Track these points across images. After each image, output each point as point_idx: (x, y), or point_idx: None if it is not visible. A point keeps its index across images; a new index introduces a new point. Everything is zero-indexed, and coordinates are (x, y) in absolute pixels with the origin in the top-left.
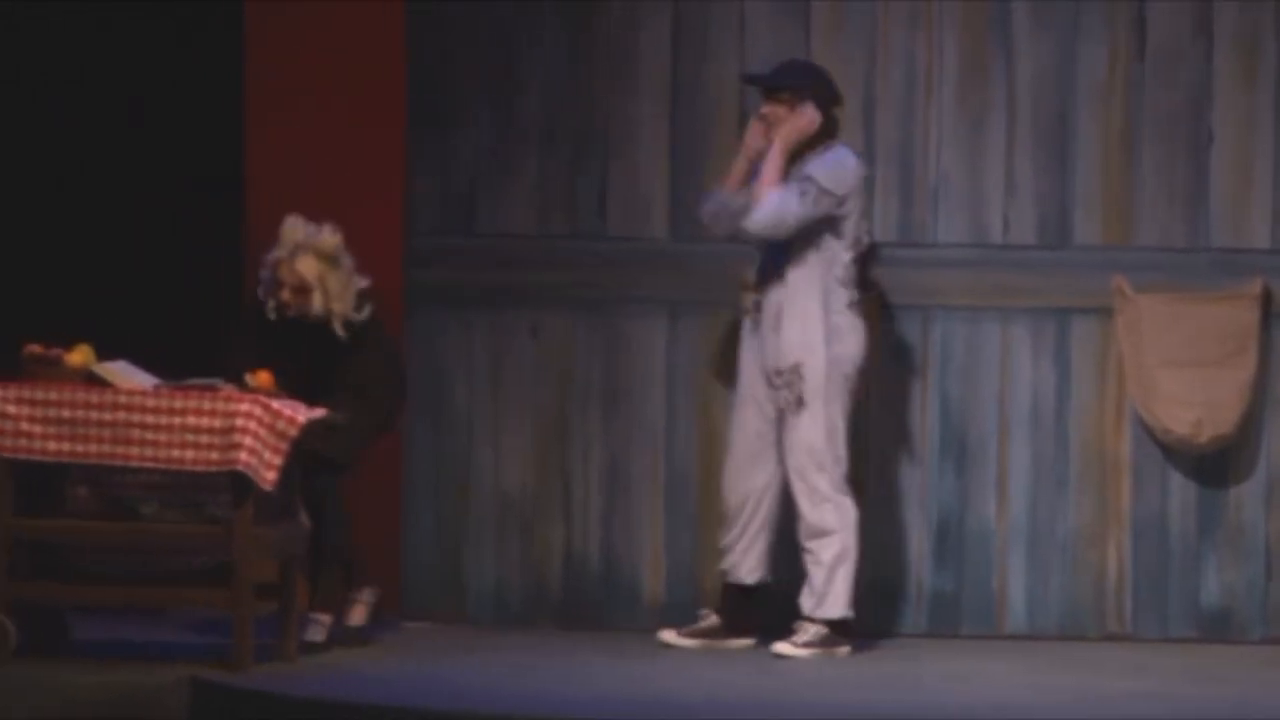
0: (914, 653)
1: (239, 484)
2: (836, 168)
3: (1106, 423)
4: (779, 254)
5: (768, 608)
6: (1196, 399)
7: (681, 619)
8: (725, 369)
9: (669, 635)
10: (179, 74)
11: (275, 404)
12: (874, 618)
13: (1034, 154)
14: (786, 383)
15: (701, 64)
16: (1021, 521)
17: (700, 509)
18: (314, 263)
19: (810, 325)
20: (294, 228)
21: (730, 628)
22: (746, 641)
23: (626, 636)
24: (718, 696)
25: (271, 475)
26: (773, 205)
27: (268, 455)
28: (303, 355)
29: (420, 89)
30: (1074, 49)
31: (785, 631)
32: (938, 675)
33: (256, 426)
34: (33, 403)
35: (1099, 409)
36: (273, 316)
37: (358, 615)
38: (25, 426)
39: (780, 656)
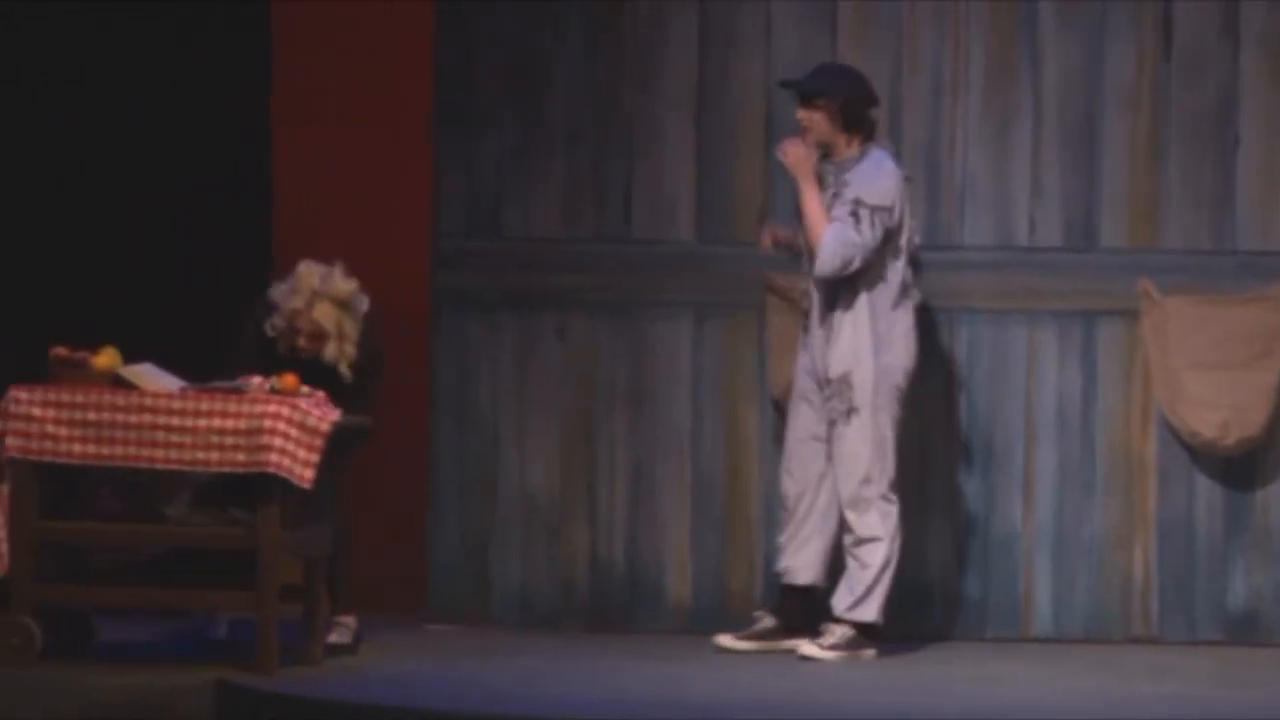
0: (940, 656)
1: (264, 486)
2: (878, 178)
3: (1133, 425)
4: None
5: (823, 609)
6: (1223, 401)
7: (707, 622)
8: (751, 371)
9: (726, 639)
10: (206, 77)
11: (302, 403)
12: (900, 620)
13: (1060, 156)
14: (836, 392)
15: (727, 66)
16: (1048, 524)
17: (726, 511)
18: (331, 310)
19: (859, 335)
20: (309, 273)
21: (787, 629)
22: (800, 642)
23: (652, 639)
24: (744, 699)
25: (309, 474)
26: (833, 247)
27: (302, 454)
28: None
29: (446, 91)
30: (1101, 50)
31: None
32: (964, 678)
33: (286, 427)
34: (59, 405)
35: (1125, 411)
36: (284, 355)
37: (336, 636)
38: (51, 429)
39: (806, 658)
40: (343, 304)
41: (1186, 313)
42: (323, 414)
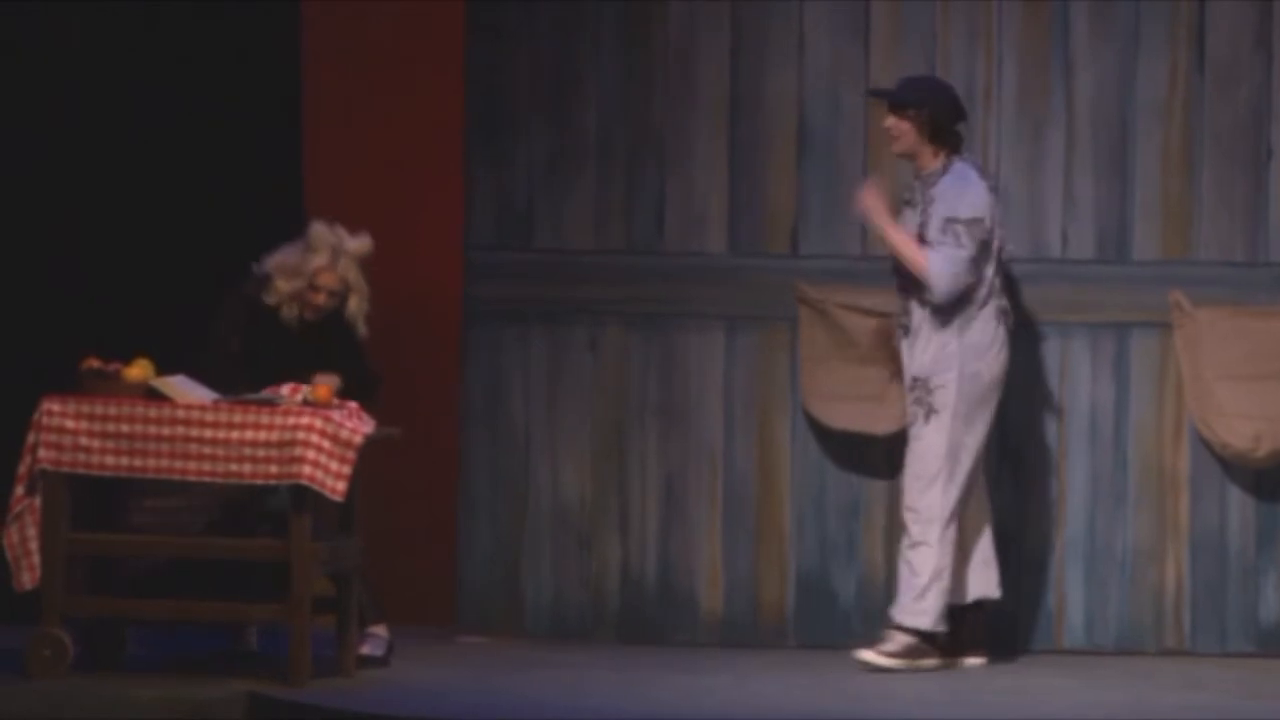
0: (973, 667)
1: (296, 498)
2: (965, 192)
3: (1165, 437)
4: (906, 275)
5: (982, 625)
6: (1255, 413)
7: (739, 634)
8: (783, 383)
9: (868, 654)
10: (238, 89)
11: (335, 416)
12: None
13: (1093, 168)
14: (917, 394)
15: (760, 77)
16: (1080, 536)
17: (758, 524)
18: (353, 265)
19: (947, 339)
20: (324, 233)
21: (953, 646)
22: (978, 660)
23: (684, 651)
24: (776, 711)
25: (341, 486)
26: (942, 272)
27: (335, 466)
28: (289, 345)
29: (478, 103)
30: (1133, 62)
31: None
32: (996, 690)
33: (319, 439)
34: (91, 417)
35: (1157, 423)
36: (293, 324)
37: (368, 647)
38: (84, 441)
39: (865, 664)
40: (362, 259)
41: (1219, 325)
42: (355, 427)
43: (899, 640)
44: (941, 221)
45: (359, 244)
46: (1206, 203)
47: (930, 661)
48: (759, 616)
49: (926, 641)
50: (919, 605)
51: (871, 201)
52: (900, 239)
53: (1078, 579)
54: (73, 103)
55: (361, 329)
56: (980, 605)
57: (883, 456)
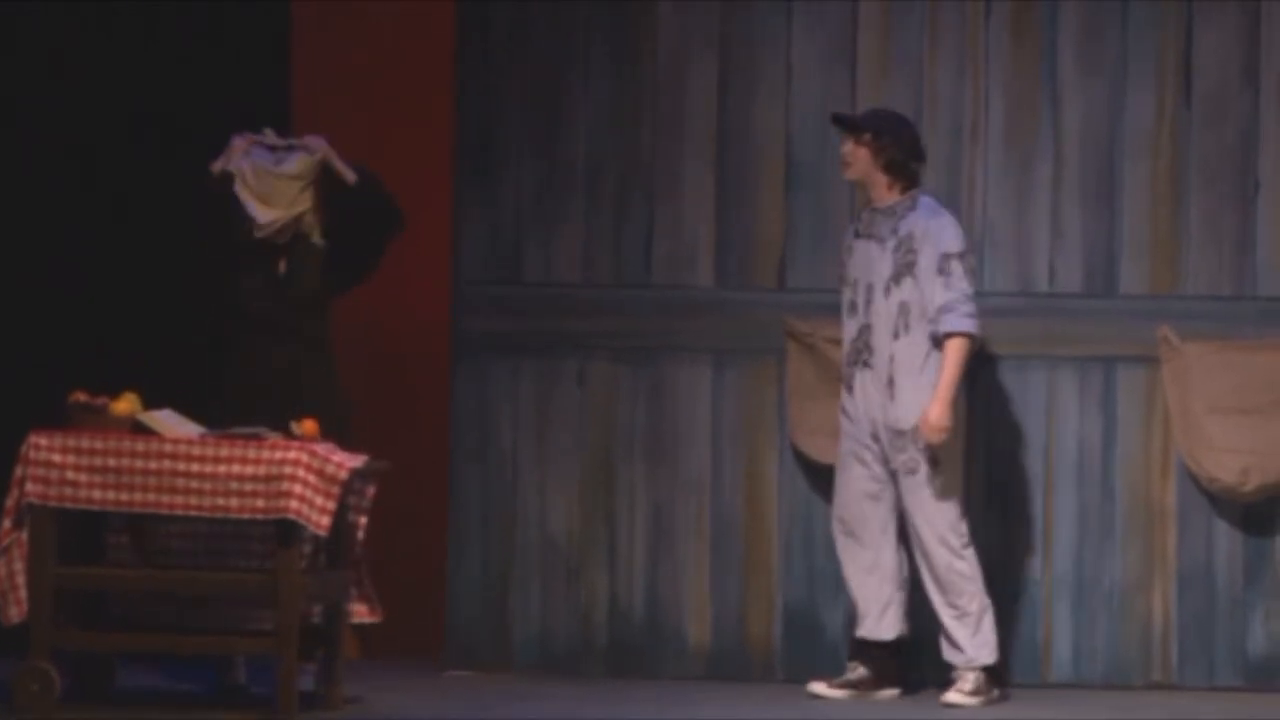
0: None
1: (284, 532)
2: (948, 226)
3: (1153, 471)
4: (884, 313)
5: (912, 658)
6: (1243, 447)
7: (726, 667)
8: (771, 416)
9: (819, 687)
10: (228, 117)
11: (321, 450)
12: (919, 667)
13: (1081, 202)
14: (911, 441)
15: (748, 111)
16: (1067, 570)
17: (745, 556)
18: (303, 164)
19: (932, 383)
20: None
21: (878, 680)
22: (893, 692)
23: (671, 684)
24: None
25: (326, 521)
26: (963, 314)
27: (320, 501)
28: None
29: (468, 136)
30: (1121, 95)
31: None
32: None
33: (305, 474)
34: (78, 451)
35: (1145, 458)
36: (256, 233)
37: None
38: (71, 475)
39: (949, 705)
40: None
41: (1207, 359)
42: (341, 461)
43: (973, 679)
44: (939, 258)
45: (310, 152)
46: (1194, 236)
47: (997, 693)
48: (747, 649)
49: (992, 674)
50: (978, 642)
51: (931, 430)
52: (953, 380)
53: (1065, 612)
54: (68, 125)
55: (317, 239)
56: (901, 641)
57: None
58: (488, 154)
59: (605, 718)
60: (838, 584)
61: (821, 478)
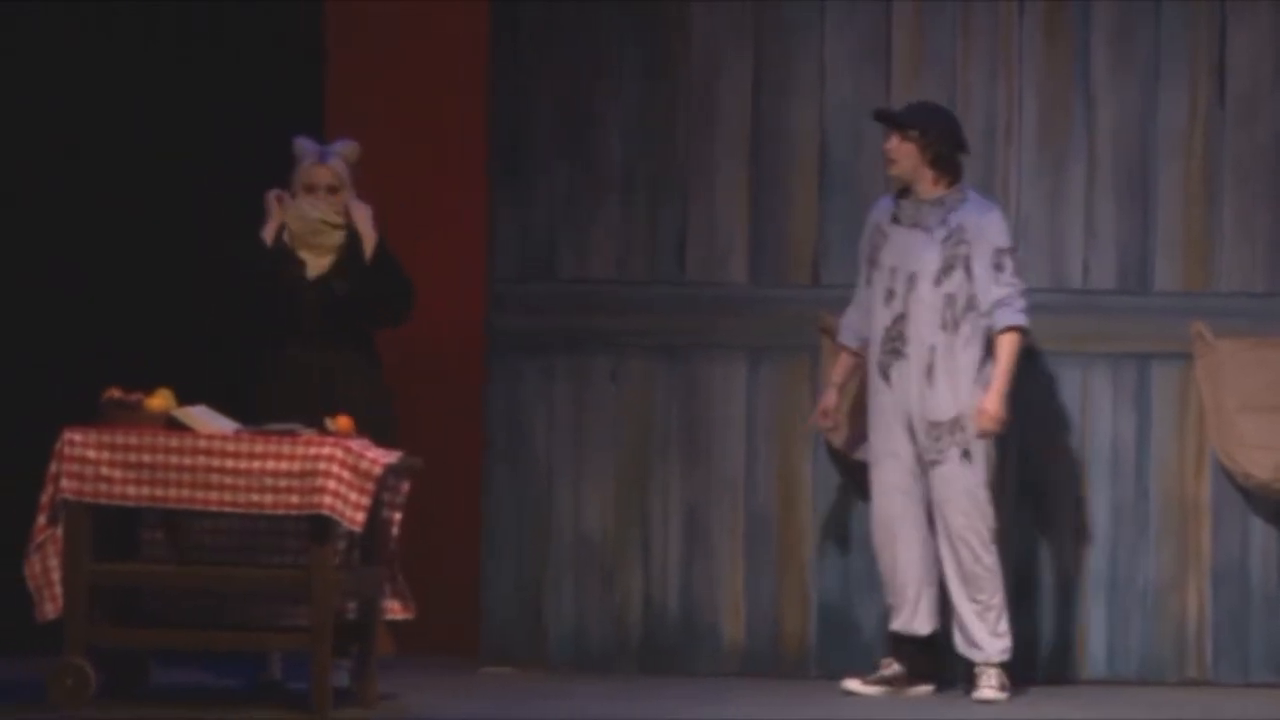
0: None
1: (319, 528)
2: (998, 221)
3: (1186, 468)
4: (929, 304)
5: (944, 654)
6: (1276, 444)
7: (761, 665)
8: (805, 413)
9: (853, 684)
10: (261, 121)
11: (355, 446)
12: (953, 663)
13: (1114, 199)
14: (948, 432)
15: (782, 109)
16: (1101, 566)
17: (779, 554)
18: (343, 164)
19: (972, 376)
20: (306, 141)
21: (912, 676)
22: (926, 688)
23: (706, 682)
24: None
25: (360, 517)
26: (1018, 309)
27: (354, 497)
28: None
29: (502, 134)
30: (1154, 94)
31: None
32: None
33: (339, 469)
34: (113, 447)
35: (1179, 454)
36: (287, 239)
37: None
38: (105, 471)
39: (983, 702)
40: (349, 157)
41: (1240, 355)
42: (375, 457)
43: (996, 675)
44: (993, 252)
45: (346, 146)
46: (1227, 233)
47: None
48: (781, 647)
49: (1007, 670)
50: (1001, 637)
51: (986, 424)
52: (1007, 372)
53: (1099, 609)
54: (94, 122)
55: (369, 233)
56: (933, 637)
57: None
58: (520, 153)
59: (639, 715)
60: (872, 581)
61: (855, 474)
